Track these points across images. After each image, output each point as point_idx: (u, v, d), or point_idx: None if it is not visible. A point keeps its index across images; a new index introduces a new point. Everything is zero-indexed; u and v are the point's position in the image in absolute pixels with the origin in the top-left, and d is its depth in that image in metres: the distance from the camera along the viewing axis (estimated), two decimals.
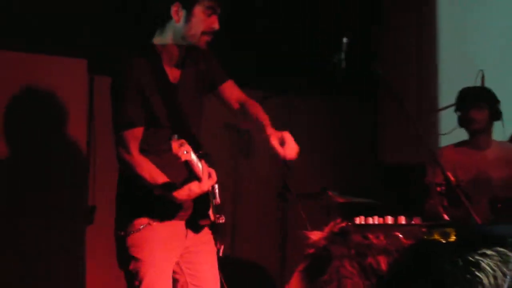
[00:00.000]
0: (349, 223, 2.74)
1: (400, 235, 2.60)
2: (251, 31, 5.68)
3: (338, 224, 2.88)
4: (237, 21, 5.27)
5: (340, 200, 4.85)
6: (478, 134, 4.87)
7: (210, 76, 3.59)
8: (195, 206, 3.38)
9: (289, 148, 3.31)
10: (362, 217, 2.69)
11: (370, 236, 2.68)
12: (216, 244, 3.56)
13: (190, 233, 3.45)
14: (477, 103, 4.78)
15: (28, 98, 4.71)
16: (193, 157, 3.16)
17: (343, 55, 3.84)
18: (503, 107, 4.85)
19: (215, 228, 3.53)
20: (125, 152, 3.32)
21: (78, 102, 4.92)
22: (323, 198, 4.87)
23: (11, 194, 4.62)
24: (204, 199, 3.34)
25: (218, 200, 3.47)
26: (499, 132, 4.87)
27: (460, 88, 4.93)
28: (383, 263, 2.55)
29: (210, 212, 3.39)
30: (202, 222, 3.45)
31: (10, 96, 4.65)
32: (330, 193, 4.83)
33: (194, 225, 3.45)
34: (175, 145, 3.09)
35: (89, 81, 5.00)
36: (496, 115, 4.84)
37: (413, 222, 2.70)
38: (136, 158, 3.32)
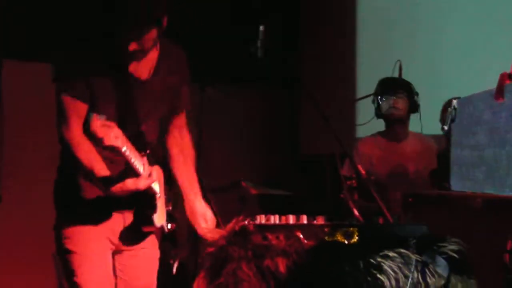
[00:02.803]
0: (251, 222, 2.63)
1: (301, 236, 2.51)
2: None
3: (240, 221, 2.78)
4: None
5: (254, 191, 4.72)
6: (396, 125, 4.85)
7: (175, 98, 3.25)
8: (137, 209, 3.05)
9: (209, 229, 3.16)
10: (263, 216, 2.58)
11: (270, 236, 2.58)
12: (169, 258, 3.25)
13: (128, 235, 3.12)
14: (398, 91, 4.77)
15: None
16: (125, 147, 2.77)
17: (259, 44, 3.67)
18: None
19: (167, 238, 3.20)
20: (65, 126, 2.94)
21: None
22: (238, 190, 4.73)
23: None
24: (148, 202, 3.01)
25: (169, 206, 3.14)
26: (416, 126, 4.85)
27: (378, 79, 4.91)
28: (281, 265, 2.45)
29: (155, 218, 3.02)
30: (145, 229, 3.08)
31: None
32: (244, 184, 4.69)
33: (135, 230, 3.10)
34: (96, 122, 2.64)
35: None
36: (414, 106, 4.83)
37: (315, 221, 2.60)
38: (76, 137, 2.94)
